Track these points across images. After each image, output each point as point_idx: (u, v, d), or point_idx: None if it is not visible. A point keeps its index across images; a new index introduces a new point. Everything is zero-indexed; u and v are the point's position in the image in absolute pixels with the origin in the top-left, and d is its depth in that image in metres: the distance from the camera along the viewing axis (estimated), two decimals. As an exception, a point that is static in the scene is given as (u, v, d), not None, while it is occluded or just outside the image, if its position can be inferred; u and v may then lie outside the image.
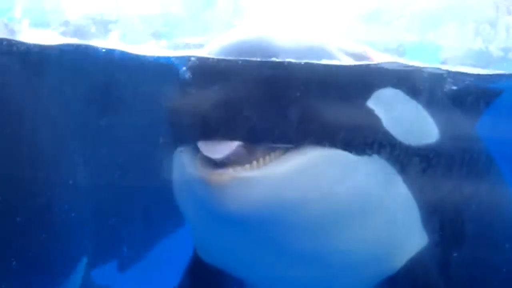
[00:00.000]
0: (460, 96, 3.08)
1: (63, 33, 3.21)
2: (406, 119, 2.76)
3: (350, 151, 2.58)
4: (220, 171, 2.44)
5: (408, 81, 2.83)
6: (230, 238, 2.72)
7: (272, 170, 2.47)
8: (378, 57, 2.91)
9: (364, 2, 3.20)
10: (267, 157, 2.48)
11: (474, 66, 3.32)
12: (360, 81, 2.66)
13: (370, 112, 2.62)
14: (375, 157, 2.65)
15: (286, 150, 2.51)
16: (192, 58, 2.66)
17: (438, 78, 3.01)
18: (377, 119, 2.62)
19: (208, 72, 2.56)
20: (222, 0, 3.22)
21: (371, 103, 2.63)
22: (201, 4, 3.22)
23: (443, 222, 2.94)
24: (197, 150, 2.54)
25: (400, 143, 2.69)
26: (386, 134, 2.65)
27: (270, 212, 2.52)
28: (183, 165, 2.60)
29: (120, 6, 3.23)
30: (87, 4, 3.19)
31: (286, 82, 2.50)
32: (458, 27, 3.33)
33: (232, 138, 2.45)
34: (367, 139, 2.62)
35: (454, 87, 3.04)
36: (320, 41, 2.68)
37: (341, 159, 2.57)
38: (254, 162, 2.46)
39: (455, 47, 3.37)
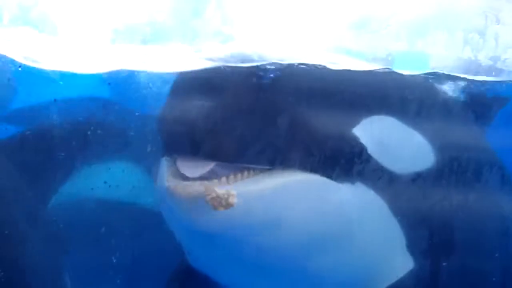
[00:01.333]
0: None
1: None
2: (396, 146, 2.71)
3: (330, 178, 2.54)
4: (187, 183, 2.43)
5: (399, 104, 2.78)
6: (201, 246, 2.70)
7: (239, 188, 2.45)
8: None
9: (352, 11, 3.19)
10: (239, 175, 2.47)
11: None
12: (349, 106, 2.62)
13: (356, 140, 2.58)
14: (359, 184, 2.61)
15: (262, 171, 2.49)
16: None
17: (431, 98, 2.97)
18: (362, 147, 2.58)
19: (190, 88, 2.55)
20: (210, 8, 3.21)
21: (357, 131, 2.58)
22: (188, 12, 3.20)
23: (430, 247, 2.88)
24: (175, 160, 2.54)
25: (388, 170, 2.65)
26: (373, 162, 2.61)
27: (232, 228, 2.50)
28: (162, 174, 2.59)
29: (107, 14, 3.21)
30: (73, 13, 3.17)
31: (269, 107, 2.49)
32: (446, 36, 3.32)
33: (208, 155, 2.45)
34: (350, 167, 2.58)
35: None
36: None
37: (319, 185, 2.53)
38: (224, 178, 2.44)
39: (443, 56, 3.36)
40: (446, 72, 3.08)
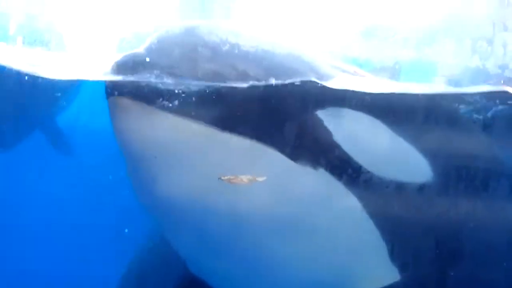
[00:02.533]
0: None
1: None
2: (374, 146, 2.60)
3: (286, 155, 2.45)
4: (127, 96, 2.39)
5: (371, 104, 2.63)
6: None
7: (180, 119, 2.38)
8: (369, 77, 2.85)
9: (360, 19, 3.18)
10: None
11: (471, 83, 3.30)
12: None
13: (318, 123, 2.49)
14: (322, 171, 2.50)
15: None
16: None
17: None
18: (326, 132, 2.49)
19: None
20: (216, 18, 3.21)
21: (322, 115, 2.50)
22: (195, 17, 3.20)
23: (420, 258, 2.75)
24: None
25: (367, 171, 2.56)
26: (342, 154, 2.52)
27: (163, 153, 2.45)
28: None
29: (113, 23, 3.21)
30: (80, 21, 3.17)
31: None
32: (454, 44, 3.31)
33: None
34: (310, 150, 2.49)
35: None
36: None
37: (270, 158, 2.44)
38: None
39: (451, 64, 3.34)
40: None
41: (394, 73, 3.20)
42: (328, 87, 2.51)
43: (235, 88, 2.38)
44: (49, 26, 3.15)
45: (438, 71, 3.36)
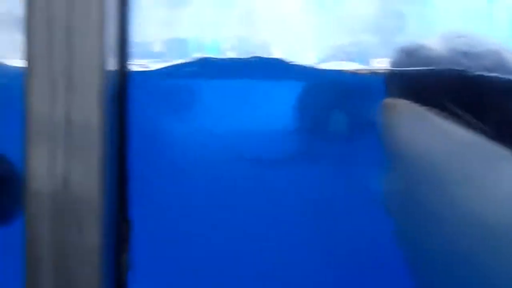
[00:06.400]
0: None
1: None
2: None
3: None
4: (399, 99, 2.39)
5: None
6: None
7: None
8: None
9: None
10: None
11: None
12: None
13: None
14: None
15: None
16: None
17: None
18: None
19: None
20: (412, 24, 3.34)
21: None
22: (392, 29, 3.32)
23: None
24: None
25: None
26: None
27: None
28: None
29: (312, 35, 3.33)
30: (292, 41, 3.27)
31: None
32: None
33: None
34: None
35: None
36: None
37: None
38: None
39: None
40: None
41: None
42: None
43: None
44: (260, 48, 3.27)
45: None
